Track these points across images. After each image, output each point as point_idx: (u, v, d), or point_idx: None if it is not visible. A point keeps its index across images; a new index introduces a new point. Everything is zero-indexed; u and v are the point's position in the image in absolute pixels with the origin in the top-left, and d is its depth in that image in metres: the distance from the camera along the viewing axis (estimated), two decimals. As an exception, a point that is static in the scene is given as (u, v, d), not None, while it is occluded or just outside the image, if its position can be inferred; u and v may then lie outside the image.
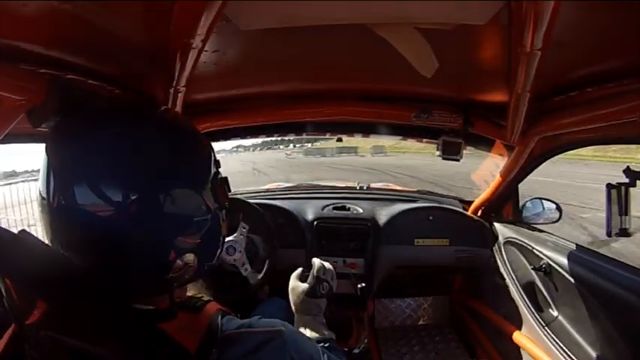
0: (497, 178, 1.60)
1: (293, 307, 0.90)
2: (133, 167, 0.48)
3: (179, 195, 0.50)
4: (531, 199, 1.68)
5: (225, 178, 0.59)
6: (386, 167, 18.22)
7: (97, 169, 0.47)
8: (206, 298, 0.56)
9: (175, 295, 0.52)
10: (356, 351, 1.64)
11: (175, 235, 0.50)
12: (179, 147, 0.53)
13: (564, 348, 1.21)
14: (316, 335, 0.80)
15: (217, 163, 0.59)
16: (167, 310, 0.49)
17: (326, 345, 0.76)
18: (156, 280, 0.50)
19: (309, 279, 0.91)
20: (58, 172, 0.48)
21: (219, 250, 0.60)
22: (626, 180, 1.02)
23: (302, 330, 0.82)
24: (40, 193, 0.49)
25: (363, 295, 1.63)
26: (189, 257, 0.51)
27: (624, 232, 1.05)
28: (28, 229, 0.47)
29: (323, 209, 1.79)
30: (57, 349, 0.44)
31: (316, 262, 0.94)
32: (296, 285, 0.91)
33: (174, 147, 0.52)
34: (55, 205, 0.47)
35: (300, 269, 0.97)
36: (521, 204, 1.69)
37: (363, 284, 1.62)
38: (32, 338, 0.44)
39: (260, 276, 1.43)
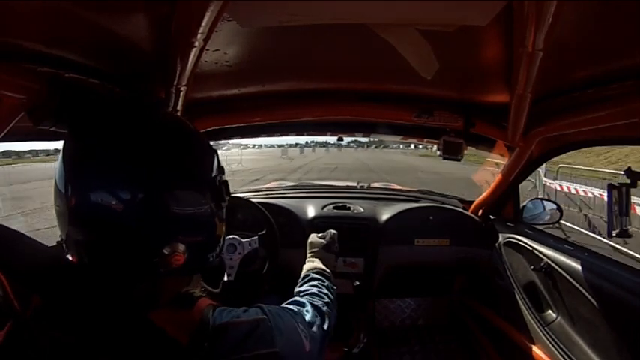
0: (498, 178, 1.60)
1: (309, 255, 1.08)
2: (132, 168, 0.50)
3: (178, 195, 0.52)
4: (532, 200, 1.68)
5: (225, 181, 0.60)
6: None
7: (98, 169, 0.49)
8: (198, 293, 0.57)
9: (168, 290, 0.53)
10: (355, 350, 1.64)
11: (171, 232, 0.52)
12: (180, 149, 0.55)
13: (564, 348, 1.21)
14: (320, 267, 0.97)
15: (221, 169, 0.60)
16: (154, 297, 0.51)
17: (326, 274, 0.93)
18: (143, 264, 0.51)
19: (327, 237, 1.13)
20: (69, 169, 0.50)
21: (216, 248, 0.61)
22: (627, 181, 1.02)
23: (311, 264, 1.00)
24: (56, 191, 0.51)
25: (360, 293, 1.63)
26: (180, 247, 0.53)
27: (624, 233, 1.05)
28: None
29: (323, 208, 1.79)
30: (51, 345, 0.45)
31: (332, 230, 1.17)
32: (315, 240, 1.12)
33: (175, 148, 0.54)
34: (68, 203, 0.49)
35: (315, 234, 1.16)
36: (521, 204, 1.70)
37: (358, 282, 1.62)
38: (28, 334, 0.45)
39: (261, 274, 1.43)
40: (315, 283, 0.86)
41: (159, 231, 0.51)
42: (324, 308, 0.73)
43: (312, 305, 0.71)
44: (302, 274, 0.93)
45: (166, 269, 0.52)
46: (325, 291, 0.82)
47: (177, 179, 0.52)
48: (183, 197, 0.52)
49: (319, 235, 1.16)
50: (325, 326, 0.70)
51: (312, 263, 1.01)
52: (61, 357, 0.45)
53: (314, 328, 0.65)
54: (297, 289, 0.85)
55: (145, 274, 0.52)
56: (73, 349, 0.45)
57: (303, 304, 0.71)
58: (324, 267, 0.98)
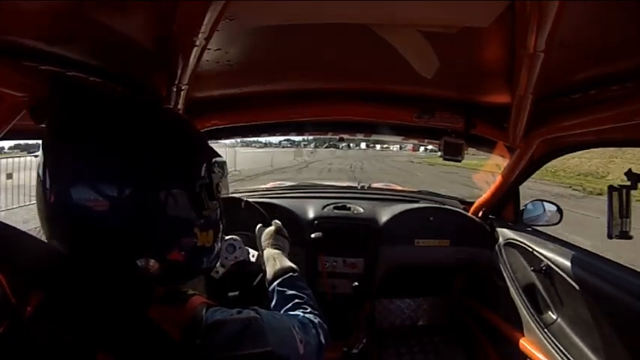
0: (499, 179, 1.60)
1: (264, 246, 1.03)
2: (123, 166, 0.50)
3: (167, 196, 0.52)
4: (532, 201, 1.68)
5: (215, 185, 0.59)
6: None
7: (87, 167, 0.50)
8: (191, 292, 0.57)
9: (161, 289, 0.54)
10: (355, 351, 1.64)
11: (159, 235, 0.52)
12: (173, 149, 0.55)
13: (564, 350, 1.21)
14: (286, 265, 0.89)
15: (213, 169, 0.59)
16: (145, 297, 0.51)
17: (295, 275, 0.85)
18: (127, 268, 0.52)
19: (274, 224, 1.08)
20: (53, 168, 0.50)
21: (207, 254, 0.61)
22: (628, 182, 1.01)
23: (273, 261, 0.91)
24: (37, 188, 0.51)
25: (359, 294, 1.63)
26: (152, 261, 0.52)
27: (624, 235, 1.05)
28: None
29: (323, 208, 1.79)
30: (50, 344, 0.45)
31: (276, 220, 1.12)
32: (264, 229, 1.08)
33: (168, 149, 0.54)
34: (52, 200, 0.49)
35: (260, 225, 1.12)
36: (522, 205, 1.70)
37: (356, 283, 1.62)
38: (25, 333, 0.45)
39: (260, 275, 1.43)
40: (298, 293, 0.79)
41: (142, 233, 0.51)
42: (316, 320, 0.71)
43: (306, 318, 0.70)
44: (275, 272, 0.86)
45: (151, 276, 0.52)
46: (311, 302, 0.77)
47: (167, 181, 0.52)
48: (173, 202, 0.53)
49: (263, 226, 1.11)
50: (321, 338, 0.68)
51: (279, 260, 0.92)
52: (59, 356, 0.45)
53: (309, 336, 0.65)
54: (279, 291, 0.80)
55: (134, 279, 0.52)
56: (71, 348, 0.45)
57: (296, 315, 0.70)
58: (292, 265, 0.90)
